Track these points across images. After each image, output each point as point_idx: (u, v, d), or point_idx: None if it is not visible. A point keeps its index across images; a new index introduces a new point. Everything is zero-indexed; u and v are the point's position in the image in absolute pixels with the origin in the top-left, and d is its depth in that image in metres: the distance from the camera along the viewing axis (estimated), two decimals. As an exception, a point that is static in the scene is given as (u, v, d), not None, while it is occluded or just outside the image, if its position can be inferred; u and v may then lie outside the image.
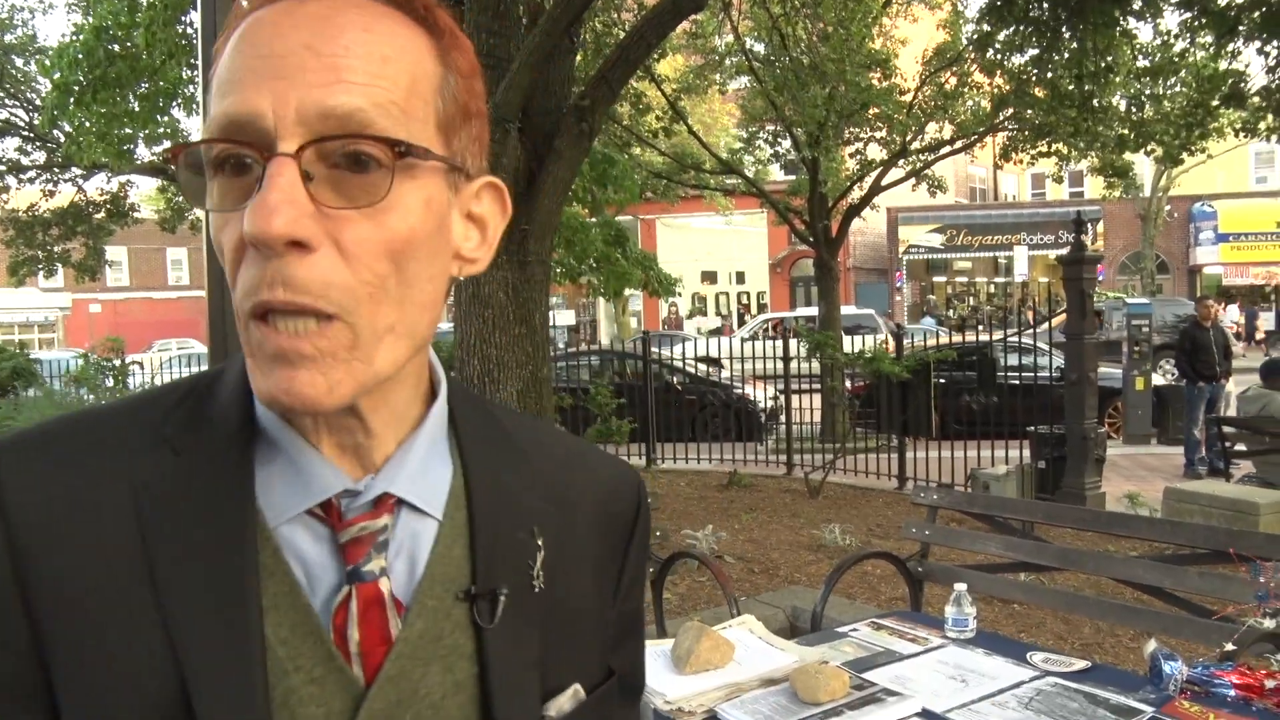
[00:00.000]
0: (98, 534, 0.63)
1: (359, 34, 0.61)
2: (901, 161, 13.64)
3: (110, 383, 12.95)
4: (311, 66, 0.59)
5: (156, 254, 43.26)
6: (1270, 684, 2.13)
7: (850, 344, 11.79)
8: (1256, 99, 9.57)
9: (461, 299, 5.33)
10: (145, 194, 19.17)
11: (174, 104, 11.25)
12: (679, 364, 13.18)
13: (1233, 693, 2.18)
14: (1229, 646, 2.38)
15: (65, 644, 0.62)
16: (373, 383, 0.63)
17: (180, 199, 16.95)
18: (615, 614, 0.81)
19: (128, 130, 10.85)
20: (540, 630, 0.72)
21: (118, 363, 14.15)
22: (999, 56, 10.87)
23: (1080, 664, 2.57)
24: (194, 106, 11.77)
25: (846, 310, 19.19)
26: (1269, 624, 2.23)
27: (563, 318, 29.28)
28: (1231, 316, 28.22)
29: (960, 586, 2.92)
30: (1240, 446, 7.92)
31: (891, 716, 2.23)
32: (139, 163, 13.46)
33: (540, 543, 0.73)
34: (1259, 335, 27.44)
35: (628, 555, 0.82)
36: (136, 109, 10.23)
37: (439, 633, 0.68)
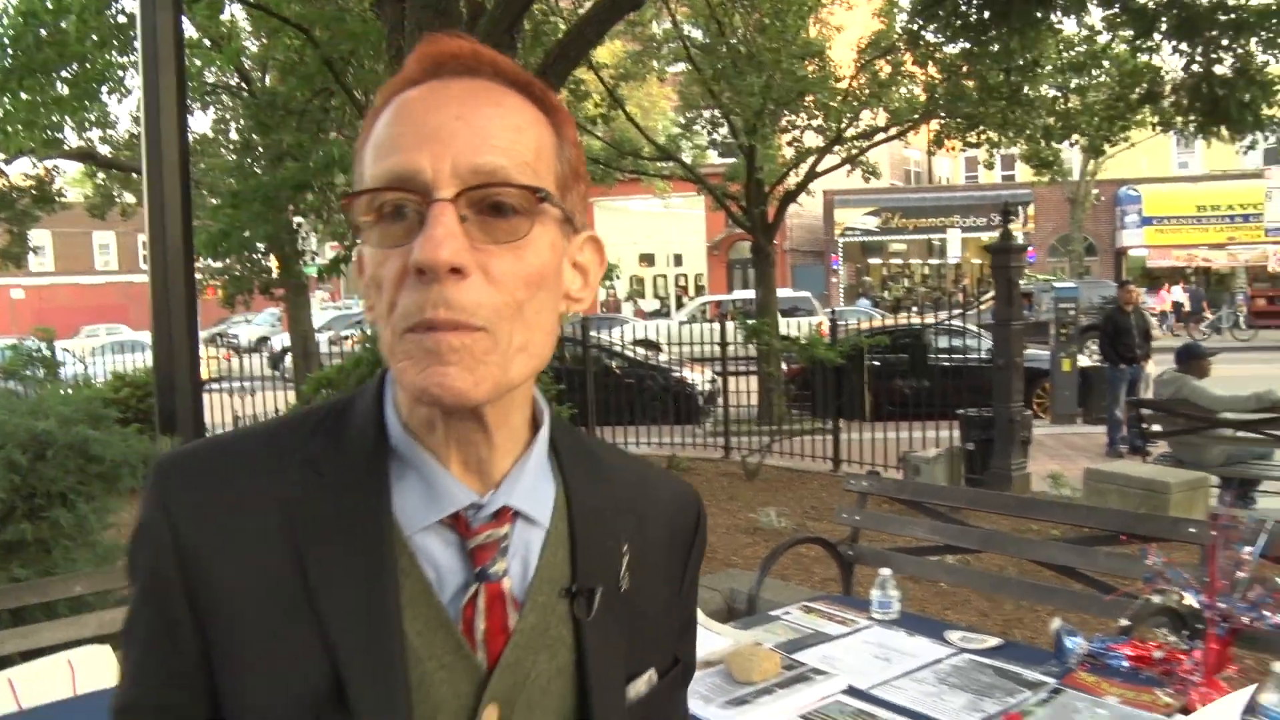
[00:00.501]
0: (253, 545, 0.76)
1: (495, 109, 0.76)
2: (837, 148, 13.80)
3: (41, 373, 12.60)
4: (462, 134, 0.74)
5: (83, 238, 42.14)
6: (1158, 654, 2.33)
7: (787, 326, 11.99)
8: (1171, 96, 9.90)
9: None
10: (72, 177, 18.67)
11: (102, 89, 11.05)
12: (618, 348, 13.25)
13: (1125, 664, 2.39)
14: (1123, 622, 2.60)
15: (229, 640, 0.76)
16: (506, 388, 0.76)
17: (105, 182, 16.61)
18: (678, 610, 0.95)
19: (54, 117, 10.64)
20: (624, 624, 0.86)
21: (47, 352, 13.75)
22: (930, 49, 11.13)
23: (993, 641, 2.77)
24: (124, 92, 11.57)
25: (783, 293, 19.47)
26: (1158, 599, 2.44)
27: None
28: (1176, 297, 29.05)
29: (885, 571, 3.09)
30: (1156, 427, 8.28)
31: (819, 694, 2.39)
32: (67, 148, 13.14)
33: (624, 549, 0.88)
34: (1206, 313, 28.12)
35: (689, 560, 0.97)
36: (65, 94, 10.04)
37: (546, 625, 0.81)
